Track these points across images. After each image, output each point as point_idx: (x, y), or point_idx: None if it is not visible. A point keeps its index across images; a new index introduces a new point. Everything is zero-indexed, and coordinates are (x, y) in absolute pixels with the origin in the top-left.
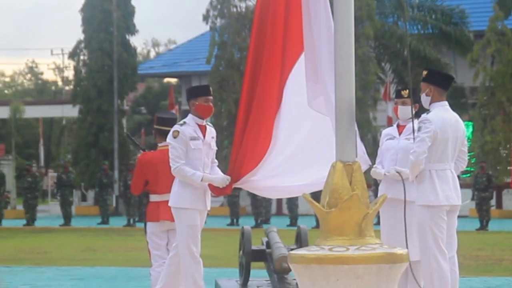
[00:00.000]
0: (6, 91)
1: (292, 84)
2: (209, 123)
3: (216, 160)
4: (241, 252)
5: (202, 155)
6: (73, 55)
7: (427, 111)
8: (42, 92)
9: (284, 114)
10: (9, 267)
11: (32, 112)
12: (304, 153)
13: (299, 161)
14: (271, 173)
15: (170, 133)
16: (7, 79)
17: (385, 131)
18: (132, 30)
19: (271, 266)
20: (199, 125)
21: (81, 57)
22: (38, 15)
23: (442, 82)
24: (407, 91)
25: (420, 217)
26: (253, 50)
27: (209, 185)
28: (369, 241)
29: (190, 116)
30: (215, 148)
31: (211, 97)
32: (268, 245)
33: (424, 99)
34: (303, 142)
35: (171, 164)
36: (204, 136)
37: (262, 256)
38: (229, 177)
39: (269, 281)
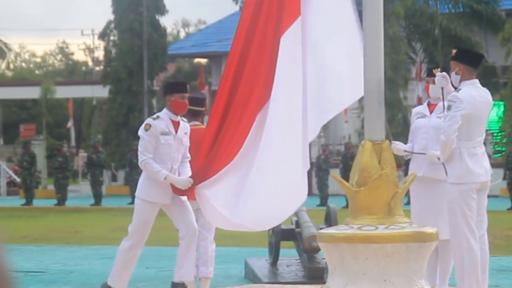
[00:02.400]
0: (37, 72)
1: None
2: (183, 119)
3: (188, 155)
4: (270, 231)
5: (171, 150)
6: (103, 35)
7: (456, 89)
8: (73, 73)
9: (271, 119)
10: (40, 246)
11: (62, 92)
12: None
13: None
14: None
15: (142, 125)
16: (38, 60)
17: (416, 110)
18: (162, 10)
19: (300, 245)
20: (173, 121)
21: (111, 38)
22: None
23: (472, 61)
24: (439, 69)
25: (450, 195)
26: (239, 40)
27: (171, 184)
28: (398, 220)
29: (164, 110)
30: (187, 143)
31: (187, 94)
32: (298, 224)
33: (454, 78)
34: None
35: (139, 157)
36: (176, 132)
37: (292, 235)
38: (191, 180)
39: (298, 260)
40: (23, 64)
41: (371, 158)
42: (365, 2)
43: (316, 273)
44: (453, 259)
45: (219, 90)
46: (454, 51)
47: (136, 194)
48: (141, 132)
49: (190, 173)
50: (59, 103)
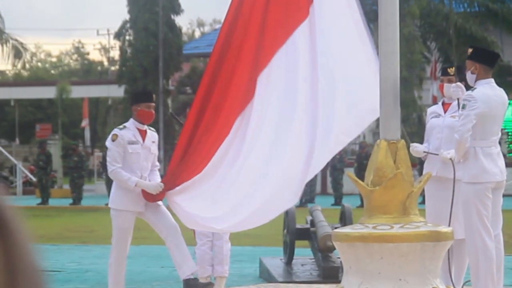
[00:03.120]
0: (52, 71)
1: (267, 84)
2: (150, 128)
3: (157, 164)
4: (285, 231)
5: (140, 159)
6: (118, 35)
7: (471, 88)
8: (88, 72)
9: (250, 127)
10: (56, 245)
11: (78, 92)
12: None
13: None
14: (202, 197)
15: (110, 136)
16: (54, 60)
17: (430, 109)
18: (177, 10)
19: (315, 245)
20: (139, 130)
21: (127, 37)
22: None
23: (488, 60)
24: (453, 68)
25: (465, 194)
26: (221, 45)
27: (142, 191)
28: (414, 219)
29: (131, 120)
30: (156, 152)
31: (153, 104)
32: (312, 223)
33: (470, 77)
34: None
35: (107, 167)
36: (143, 141)
37: (307, 234)
38: (162, 184)
39: (313, 260)
40: (39, 64)
41: (386, 158)
42: (381, 2)
43: (331, 272)
44: (468, 258)
45: (196, 97)
46: (469, 50)
47: (109, 205)
48: (108, 142)
49: (159, 180)
50: (74, 103)
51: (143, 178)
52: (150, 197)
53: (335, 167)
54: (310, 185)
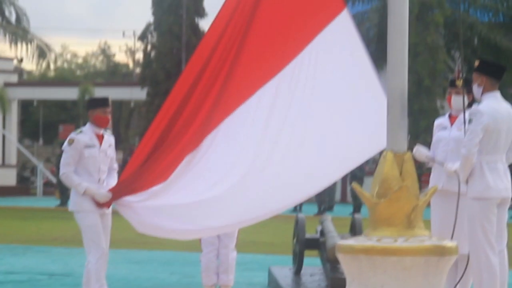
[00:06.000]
0: (78, 72)
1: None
2: (107, 132)
3: (115, 166)
4: (294, 240)
5: (97, 162)
6: (142, 37)
7: (478, 102)
8: (114, 74)
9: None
10: (68, 249)
11: (101, 93)
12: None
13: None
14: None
15: (67, 140)
16: (80, 60)
17: (437, 122)
18: (201, 13)
19: (324, 255)
20: (97, 134)
21: (150, 40)
22: None
23: (494, 73)
24: (461, 81)
25: (470, 210)
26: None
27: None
28: (418, 232)
29: (88, 125)
30: (112, 155)
31: (109, 109)
32: (322, 233)
33: (476, 90)
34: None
35: (60, 169)
36: (100, 144)
37: (316, 244)
38: (110, 195)
39: (322, 270)
40: (65, 65)
41: (392, 170)
42: (390, 9)
43: (339, 283)
44: (472, 274)
45: (165, 104)
46: (476, 63)
47: (70, 208)
48: (65, 146)
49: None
50: None
51: (101, 181)
52: (97, 204)
53: (355, 175)
54: (330, 193)
